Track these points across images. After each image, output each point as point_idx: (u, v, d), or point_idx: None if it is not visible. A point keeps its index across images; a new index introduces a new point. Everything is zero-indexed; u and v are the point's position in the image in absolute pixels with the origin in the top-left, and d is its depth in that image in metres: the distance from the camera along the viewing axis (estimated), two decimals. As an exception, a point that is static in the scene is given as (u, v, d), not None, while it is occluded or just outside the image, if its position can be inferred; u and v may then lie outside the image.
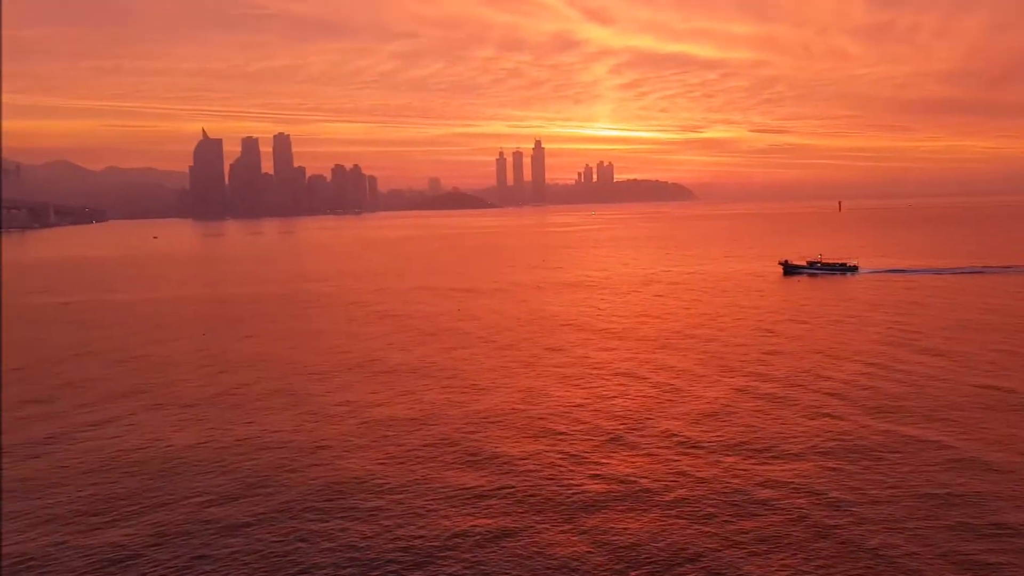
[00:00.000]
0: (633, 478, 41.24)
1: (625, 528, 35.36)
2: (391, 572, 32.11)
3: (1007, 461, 42.25)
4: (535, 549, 33.63)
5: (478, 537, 34.83)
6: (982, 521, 35.09)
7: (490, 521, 36.46)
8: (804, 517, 35.91)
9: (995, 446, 44.64)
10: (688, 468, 42.48)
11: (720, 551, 32.93)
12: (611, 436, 48.39)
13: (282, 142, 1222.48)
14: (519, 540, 34.48)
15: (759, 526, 35.10)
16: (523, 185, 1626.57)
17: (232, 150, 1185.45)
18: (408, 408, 56.00)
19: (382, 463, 44.60)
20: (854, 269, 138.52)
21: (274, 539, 35.21)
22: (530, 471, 42.66)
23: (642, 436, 48.23)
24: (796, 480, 40.30)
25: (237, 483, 42.11)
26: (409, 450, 46.68)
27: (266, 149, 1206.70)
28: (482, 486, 40.63)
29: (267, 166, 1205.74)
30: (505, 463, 44.00)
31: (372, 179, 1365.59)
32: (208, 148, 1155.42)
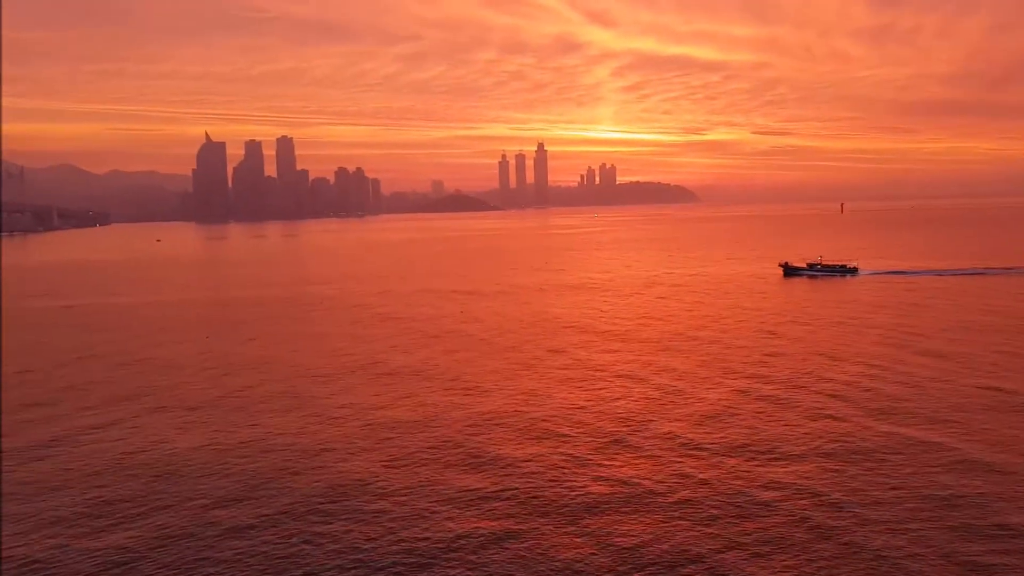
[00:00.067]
0: (635, 480, 41.31)
1: (628, 530, 35.44)
2: (395, 574, 32.23)
3: (1009, 462, 42.26)
4: (538, 551, 33.72)
5: (481, 539, 34.93)
6: (984, 522, 35.12)
7: (493, 523, 36.56)
8: (806, 518, 35.96)
9: (997, 447, 44.66)
10: (690, 470, 42.55)
11: (722, 552, 33.00)
12: (614, 438, 48.46)
13: (285, 145, 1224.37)
14: (522, 542, 34.57)
15: (761, 527, 35.16)
16: (526, 187, 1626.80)
17: (235, 153, 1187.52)
18: (411, 410, 56.13)
19: (385, 465, 44.72)
20: (854, 271, 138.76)
21: (278, 541, 35.33)
22: (533, 473, 42.76)
23: (644, 438, 48.30)
24: (798, 482, 40.36)
25: (241, 485, 42.25)
26: (412, 452, 46.80)
27: (269, 152, 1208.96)
28: (485, 488, 40.74)
29: (270, 169, 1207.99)
30: (508, 465, 44.10)
31: (375, 182, 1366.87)
32: (211, 151, 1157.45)
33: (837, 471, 41.69)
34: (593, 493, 39.70)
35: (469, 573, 32.10)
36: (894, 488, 39.17)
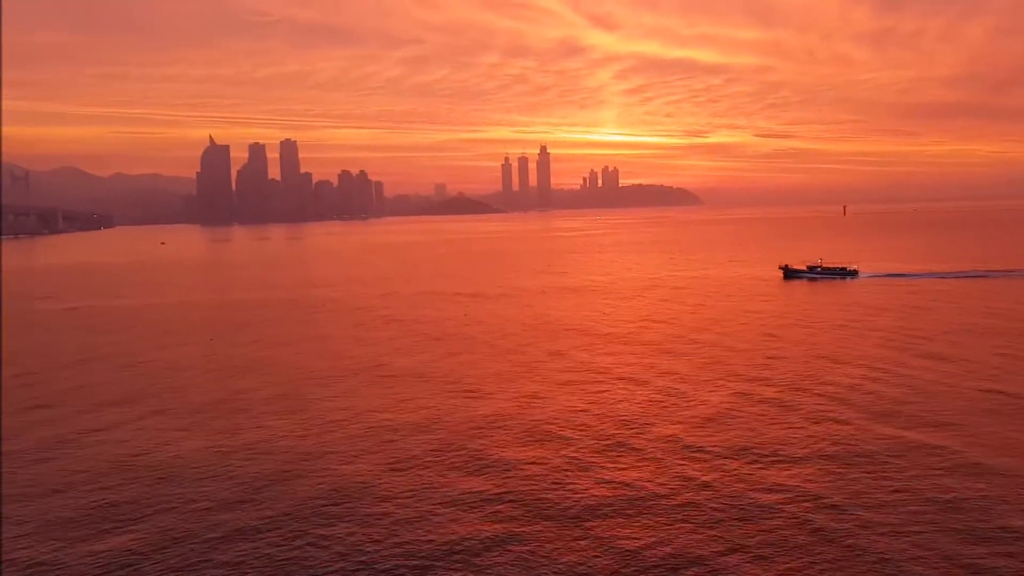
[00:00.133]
0: (637, 482, 41.36)
1: (630, 532, 35.49)
2: (396, 576, 32.30)
3: (1012, 465, 42.23)
4: (541, 554, 33.78)
5: (484, 542, 35.00)
6: (987, 526, 35.11)
7: (496, 525, 36.63)
8: (808, 521, 35.98)
9: (999, 451, 44.62)
10: (692, 472, 42.59)
11: (725, 555, 33.03)
12: (615, 441, 48.52)
13: (289, 148, 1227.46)
14: (524, 544, 34.64)
15: (763, 530, 35.18)
16: (528, 190, 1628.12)
17: (239, 156, 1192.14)
18: (414, 413, 56.24)
19: (388, 468, 44.82)
20: (854, 273, 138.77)
21: (281, 543, 35.44)
22: (535, 475, 42.82)
23: (646, 440, 48.35)
24: (800, 484, 40.37)
25: (244, 488, 42.37)
26: (415, 455, 46.90)
27: (273, 155, 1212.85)
28: (487, 490, 40.81)
29: (274, 172, 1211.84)
30: (510, 468, 44.18)
31: (378, 184, 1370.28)
32: (215, 154, 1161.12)
33: (839, 474, 41.69)
34: (595, 496, 39.76)
35: None
36: (896, 491, 39.18)
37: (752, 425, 50.78)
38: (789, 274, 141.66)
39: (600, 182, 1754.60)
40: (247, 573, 32.90)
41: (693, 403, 56.72)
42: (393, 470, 44.41)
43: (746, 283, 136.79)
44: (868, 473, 41.70)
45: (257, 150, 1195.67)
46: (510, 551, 34.04)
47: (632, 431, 50.36)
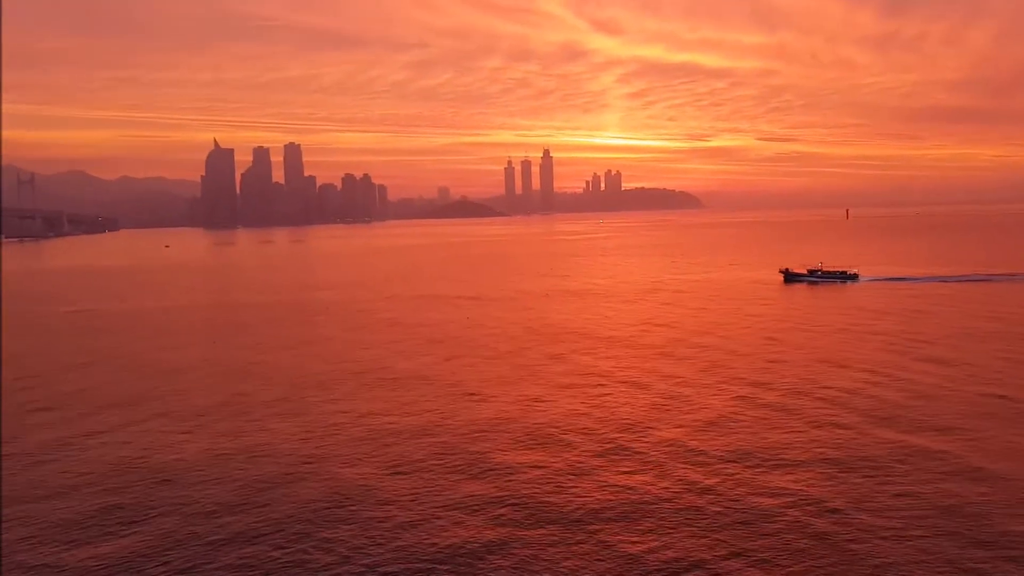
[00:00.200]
0: (638, 486, 41.38)
1: (631, 537, 35.51)
2: (397, 579, 32.36)
3: (1014, 470, 42.16)
4: (542, 558, 33.81)
5: (484, 545, 35.05)
6: (989, 530, 35.05)
7: (496, 529, 36.68)
8: (809, 526, 35.96)
9: (1002, 455, 44.56)
10: (694, 477, 42.60)
11: (726, 559, 33.03)
12: (617, 445, 48.55)
13: (293, 152, 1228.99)
14: (526, 549, 34.67)
15: (764, 534, 35.18)
16: (531, 194, 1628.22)
17: (244, 160, 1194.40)
18: (416, 416, 56.33)
19: (390, 471, 44.90)
20: (854, 277, 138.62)
21: (283, 546, 35.51)
22: (536, 479, 42.86)
23: (647, 444, 48.37)
24: (801, 489, 40.36)
25: (246, 490, 42.46)
26: (416, 458, 46.97)
27: (277, 159, 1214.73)
28: (489, 494, 40.86)
29: (278, 175, 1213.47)
30: (512, 471, 44.23)
31: (382, 188, 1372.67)
32: (219, 158, 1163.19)
33: (840, 478, 41.67)
34: (597, 500, 39.79)
35: (472, 579, 32.23)
36: (898, 495, 39.14)
37: (753, 429, 50.78)
38: (789, 278, 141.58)
39: (603, 186, 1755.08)
40: (249, 575, 33.00)
41: (695, 407, 56.73)
42: (395, 473, 44.50)
43: (747, 287, 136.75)
44: (870, 477, 41.68)
45: (261, 154, 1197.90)
46: (512, 555, 34.09)
47: (634, 435, 50.39)
